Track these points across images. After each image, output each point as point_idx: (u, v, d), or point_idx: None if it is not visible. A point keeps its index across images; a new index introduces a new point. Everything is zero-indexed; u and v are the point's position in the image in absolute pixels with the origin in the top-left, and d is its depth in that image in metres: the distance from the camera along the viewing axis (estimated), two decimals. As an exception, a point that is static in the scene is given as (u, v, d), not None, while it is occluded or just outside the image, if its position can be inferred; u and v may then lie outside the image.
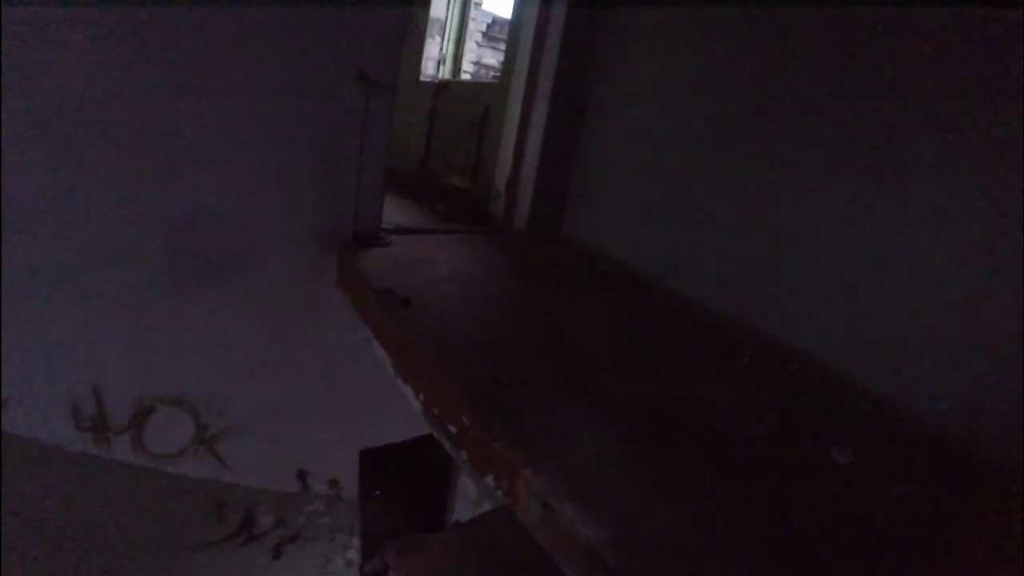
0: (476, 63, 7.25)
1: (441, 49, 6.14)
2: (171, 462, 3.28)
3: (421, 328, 2.30)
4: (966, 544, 1.65)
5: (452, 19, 6.21)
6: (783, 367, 2.64)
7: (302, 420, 3.44)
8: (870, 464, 1.98)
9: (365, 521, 3.51)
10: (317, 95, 2.97)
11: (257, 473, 3.57)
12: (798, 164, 2.78)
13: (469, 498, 3.40)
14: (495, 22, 7.77)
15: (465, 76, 6.37)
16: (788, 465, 1.88)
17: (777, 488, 1.74)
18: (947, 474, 2.04)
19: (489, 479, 1.77)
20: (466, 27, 6.33)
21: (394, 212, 3.82)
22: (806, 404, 2.36)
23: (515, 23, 4.45)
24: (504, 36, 6.36)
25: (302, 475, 3.66)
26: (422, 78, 5.94)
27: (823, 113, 2.69)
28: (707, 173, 3.18)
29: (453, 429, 1.94)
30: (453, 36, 6.24)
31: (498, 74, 4.98)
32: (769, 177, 2.89)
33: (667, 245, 3.38)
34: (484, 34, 7.70)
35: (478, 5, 6.97)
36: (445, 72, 6.12)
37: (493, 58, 7.25)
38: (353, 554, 4.00)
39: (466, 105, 4.89)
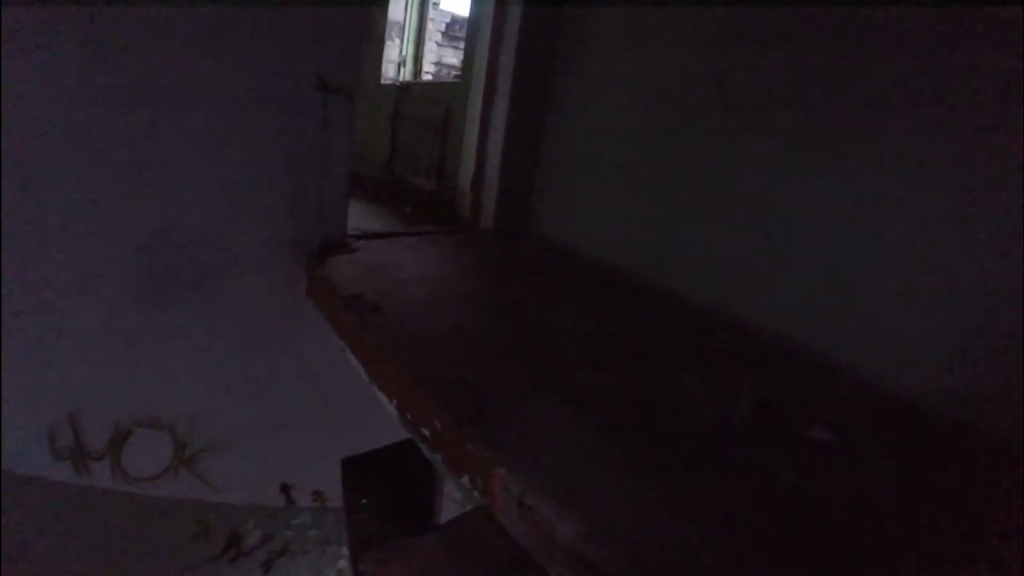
0: (437, 63, 7.22)
1: (401, 51, 6.11)
2: (152, 484, 3.25)
3: (390, 333, 2.29)
4: (949, 516, 1.67)
5: (411, 20, 6.18)
6: (759, 351, 2.67)
7: (282, 433, 3.42)
8: (850, 441, 2.00)
9: (353, 530, 3.49)
10: (277, 104, 2.95)
11: (240, 490, 3.55)
12: (766, 149, 2.80)
13: (455, 500, 3.39)
14: (454, 21, 7.74)
15: (426, 77, 6.35)
16: (767, 447, 1.89)
17: (756, 472, 1.76)
18: (927, 449, 2.07)
19: (465, 480, 1.77)
20: (425, 28, 6.30)
21: (361, 217, 3.80)
22: (784, 387, 2.38)
23: (473, 22, 4.45)
24: (464, 35, 6.35)
25: (286, 489, 3.64)
26: (383, 81, 5.90)
27: (789, 98, 2.72)
28: (674, 163, 3.21)
29: (427, 432, 1.93)
30: (412, 37, 6.21)
31: (459, 73, 4.96)
32: (738, 163, 2.91)
33: (637, 236, 3.40)
34: (444, 33, 7.67)
35: (436, 5, 6.94)
36: (406, 74, 6.09)
37: (454, 57, 7.21)
38: (344, 564, 3.98)
39: (428, 106, 4.87)
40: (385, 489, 3.12)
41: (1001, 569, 1.49)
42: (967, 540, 1.59)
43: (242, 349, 3.18)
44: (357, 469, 3.10)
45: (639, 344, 2.59)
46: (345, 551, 3.90)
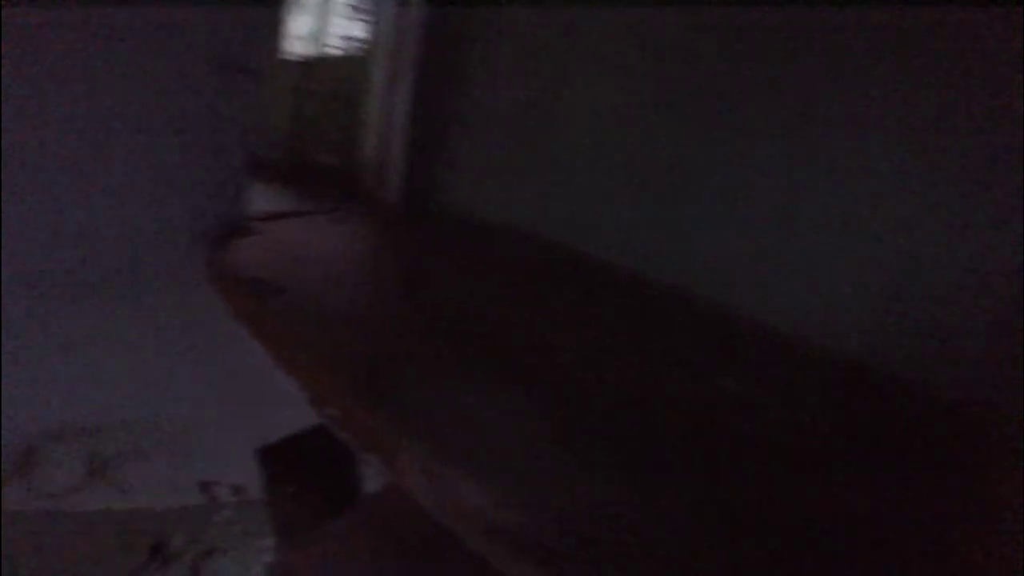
0: (343, 36, 6.96)
1: (305, 25, 5.86)
2: (68, 500, 3.06)
3: (292, 315, 2.22)
4: (854, 457, 1.74)
5: (314, -8, 5.92)
6: (670, 308, 2.70)
7: (197, 429, 3.29)
8: (761, 390, 2.06)
9: (279, 521, 3.39)
10: (173, 84, 2.76)
11: (159, 493, 3.40)
12: (686, 107, 2.81)
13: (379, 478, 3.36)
14: (361, -8, 7.46)
15: (332, 51, 6.11)
16: (673, 399, 1.92)
17: (662, 423, 1.78)
18: (840, 395, 2.15)
19: (375, 458, 1.73)
20: (330, 0, 6.05)
21: (264, 198, 3.64)
22: (694, 341, 2.42)
23: (376, -10, 4.28)
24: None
25: (205, 486, 3.50)
26: (286, 56, 5.65)
27: (716, 62, 2.73)
28: (611, 128, 3.21)
29: (334, 413, 1.87)
30: (316, 11, 5.96)
31: (365, 47, 4.80)
32: (659, 125, 2.92)
33: (551, 201, 3.39)
34: (350, 6, 7.39)
35: (341, -24, 6.67)
36: (310, 48, 5.85)
37: (360, 30, 6.97)
38: (271, 557, 3.88)
39: (332, 81, 4.71)
40: (307, 475, 3.05)
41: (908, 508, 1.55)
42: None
43: (148, 347, 3.03)
44: (276, 458, 3.01)
45: (551, 310, 2.59)
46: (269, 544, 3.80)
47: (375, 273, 2.82)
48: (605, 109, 3.23)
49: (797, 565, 1.31)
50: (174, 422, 3.21)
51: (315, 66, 5.20)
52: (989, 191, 2.09)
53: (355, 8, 6.56)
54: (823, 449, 1.80)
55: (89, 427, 3.01)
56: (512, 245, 3.45)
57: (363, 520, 1.75)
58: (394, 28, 3.86)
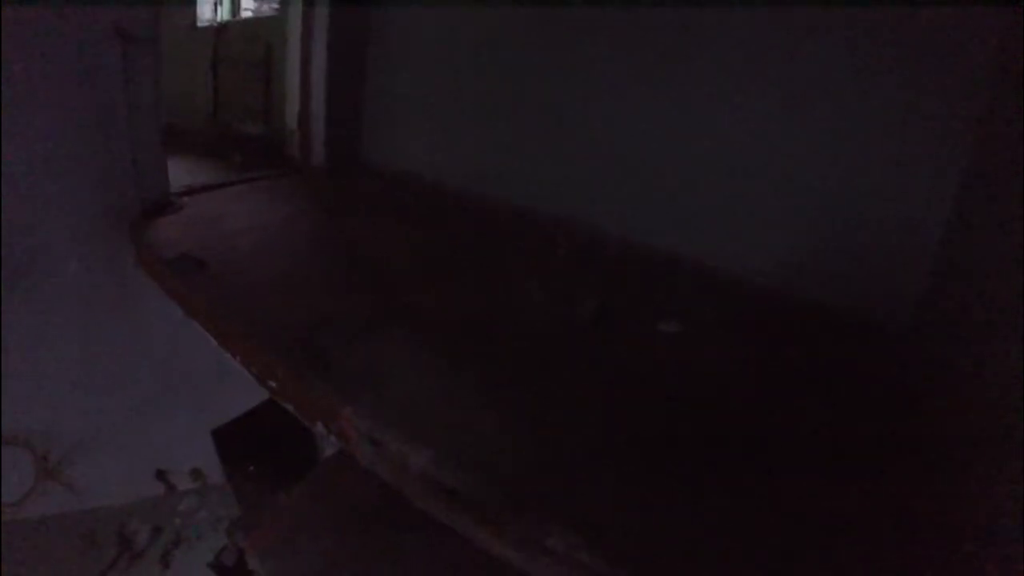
0: (255, -1, 6.63)
1: (216, -11, 5.56)
2: (23, 507, 2.95)
3: (220, 289, 2.14)
4: (792, 390, 1.76)
5: (223, -47, 5.59)
6: (602, 256, 2.70)
7: (145, 418, 3.18)
8: (699, 331, 2.07)
9: (245, 501, 3.35)
10: (72, 63, 2.58)
11: (116, 488, 3.31)
12: (596, 53, 2.77)
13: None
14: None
15: (247, 14, 5.82)
16: (613, 346, 1.93)
17: (603, 371, 1.79)
18: (775, 328, 2.18)
19: (320, 426, 1.68)
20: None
21: (186, 173, 3.50)
22: (628, 286, 2.43)
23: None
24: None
25: (162, 475, 3.41)
26: (199, 23, 5.37)
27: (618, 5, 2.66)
28: (508, 78, 3.15)
29: (274, 385, 1.82)
30: (226, -27, 5.64)
31: (279, 7, 4.57)
32: (567, 70, 2.88)
33: (472, 156, 3.38)
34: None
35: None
36: (223, 13, 5.56)
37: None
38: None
39: (248, 46, 4.49)
40: (266, 450, 3.00)
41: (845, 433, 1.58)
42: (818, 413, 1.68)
43: (79, 339, 2.89)
44: (231, 438, 2.94)
45: (479, 263, 2.59)
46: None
47: (301, 238, 2.74)
48: (491, 69, 3.21)
49: (727, 487, 1.34)
50: (121, 413, 3.11)
51: (230, 31, 4.94)
52: (906, 113, 2.10)
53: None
54: (762, 383, 1.83)
55: (34, 428, 2.89)
56: (436, 199, 3.41)
57: (315, 490, 1.71)
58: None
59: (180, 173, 3.19)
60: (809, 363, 1.94)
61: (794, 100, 2.30)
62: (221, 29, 5.01)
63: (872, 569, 1.15)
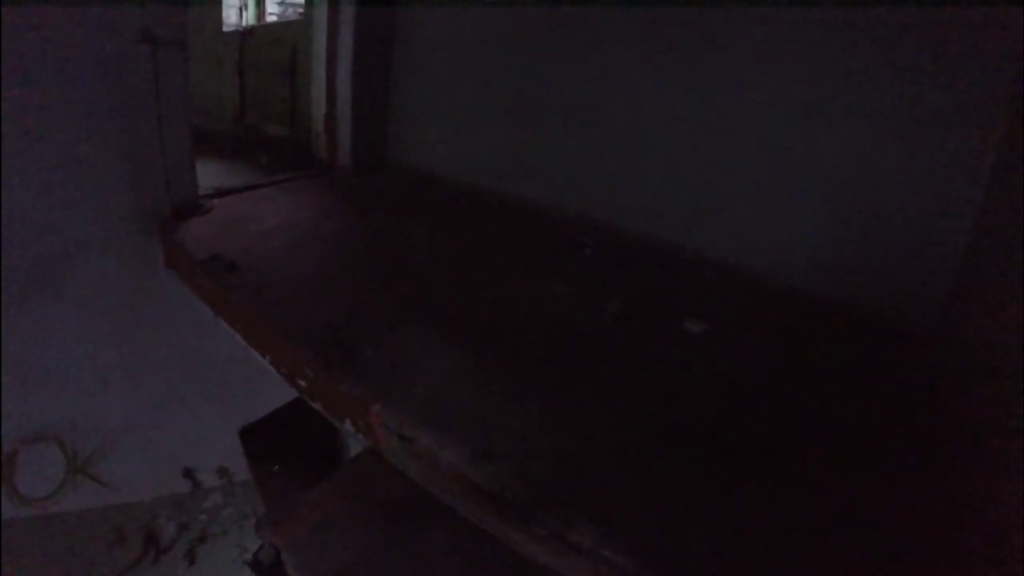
0: (281, 2, 6.71)
1: (241, -7, 5.64)
2: (53, 502, 3.01)
3: (251, 289, 2.17)
4: (819, 390, 1.76)
5: (247, -41, 5.67)
6: (627, 254, 2.69)
7: (173, 416, 3.23)
8: (724, 329, 2.06)
9: (270, 499, 3.38)
10: (104, 67, 2.62)
11: (144, 484, 3.36)
12: (618, 54, 2.77)
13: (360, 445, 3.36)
14: (297, -44, 7.18)
15: (272, 18, 5.90)
16: (639, 345, 1.93)
17: (629, 369, 1.79)
18: (800, 328, 2.16)
19: (348, 424, 1.71)
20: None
21: (214, 175, 3.54)
22: (653, 284, 2.42)
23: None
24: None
25: (189, 472, 3.46)
26: (225, 28, 5.44)
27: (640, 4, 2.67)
28: (532, 76, 3.15)
29: (302, 383, 1.85)
30: (251, -21, 5.72)
31: (303, 10, 4.62)
32: (591, 69, 2.88)
33: (497, 155, 3.38)
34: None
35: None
36: (248, 18, 5.64)
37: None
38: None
39: (273, 49, 4.53)
40: (291, 450, 3.03)
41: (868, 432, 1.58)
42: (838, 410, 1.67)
43: (110, 338, 2.94)
44: (258, 436, 2.98)
45: (505, 262, 2.57)
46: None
47: (329, 238, 2.76)
48: (514, 67, 3.22)
49: (753, 485, 1.35)
50: (150, 411, 3.15)
51: (255, 35, 5.00)
52: (933, 111, 2.08)
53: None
54: (789, 383, 1.82)
55: (64, 425, 2.94)
56: (462, 196, 3.42)
57: (342, 487, 1.73)
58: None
59: (208, 175, 3.22)
60: (836, 362, 1.92)
61: (818, 98, 2.28)
62: (247, 33, 5.07)
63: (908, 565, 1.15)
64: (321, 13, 3.79)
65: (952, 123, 2.02)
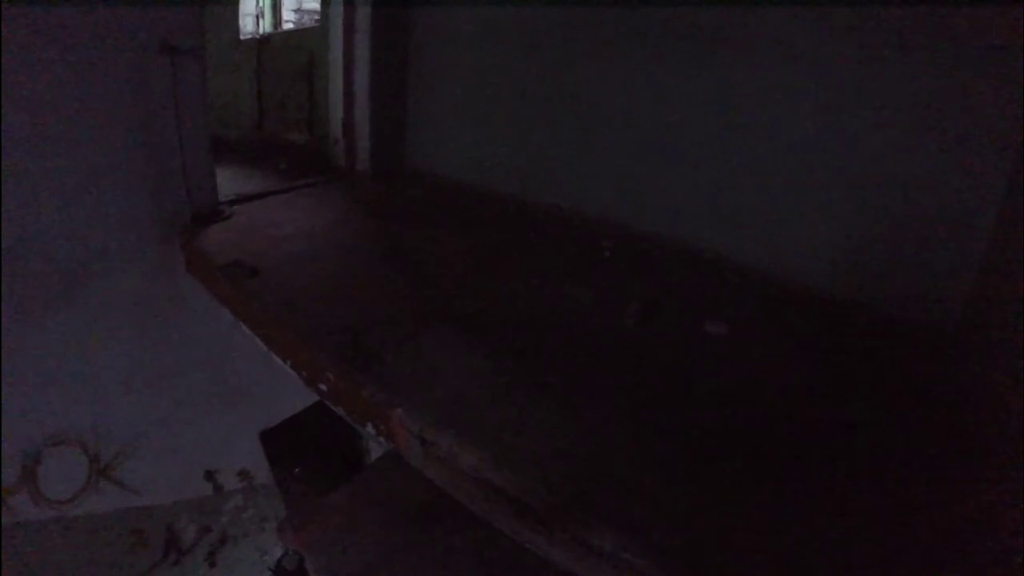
0: (298, 10, 6.78)
1: (257, 3, 5.69)
2: (75, 505, 3.05)
3: (271, 294, 2.18)
4: (841, 392, 1.75)
5: (264, -32, 5.73)
6: (646, 257, 2.69)
7: (194, 419, 3.26)
8: (745, 331, 2.05)
9: (290, 502, 3.41)
10: (122, 77, 2.66)
11: (165, 487, 3.39)
12: (635, 56, 2.77)
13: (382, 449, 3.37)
14: (312, -36, 7.23)
15: (288, 26, 5.96)
16: (660, 347, 1.93)
17: (650, 372, 1.79)
18: (820, 330, 2.15)
19: (370, 427, 1.72)
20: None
21: (233, 181, 3.58)
22: (673, 286, 2.42)
23: (325, -40, 4.15)
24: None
25: (210, 475, 3.50)
26: (242, 36, 5.51)
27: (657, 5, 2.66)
28: (549, 80, 3.16)
29: (324, 387, 1.86)
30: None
31: (320, 18, 4.67)
32: (609, 72, 2.87)
33: (515, 159, 3.39)
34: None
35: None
36: (265, 26, 5.70)
37: (315, 1, 6.79)
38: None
39: (291, 56, 4.59)
40: (311, 453, 3.05)
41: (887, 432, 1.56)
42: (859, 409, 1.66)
43: (132, 341, 2.97)
44: (278, 440, 3.00)
45: (525, 265, 2.58)
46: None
47: (349, 243, 2.78)
48: (531, 71, 3.23)
49: (774, 489, 1.34)
50: (171, 415, 3.18)
51: (272, 43, 5.06)
52: (953, 110, 2.06)
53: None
54: (812, 385, 1.81)
55: (86, 428, 2.97)
56: (481, 201, 3.43)
57: (364, 490, 1.74)
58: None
59: (228, 182, 3.26)
60: (859, 365, 1.91)
61: (838, 98, 2.27)
62: (264, 41, 5.13)
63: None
64: (337, 20, 3.82)
65: (974, 122, 2.00)
